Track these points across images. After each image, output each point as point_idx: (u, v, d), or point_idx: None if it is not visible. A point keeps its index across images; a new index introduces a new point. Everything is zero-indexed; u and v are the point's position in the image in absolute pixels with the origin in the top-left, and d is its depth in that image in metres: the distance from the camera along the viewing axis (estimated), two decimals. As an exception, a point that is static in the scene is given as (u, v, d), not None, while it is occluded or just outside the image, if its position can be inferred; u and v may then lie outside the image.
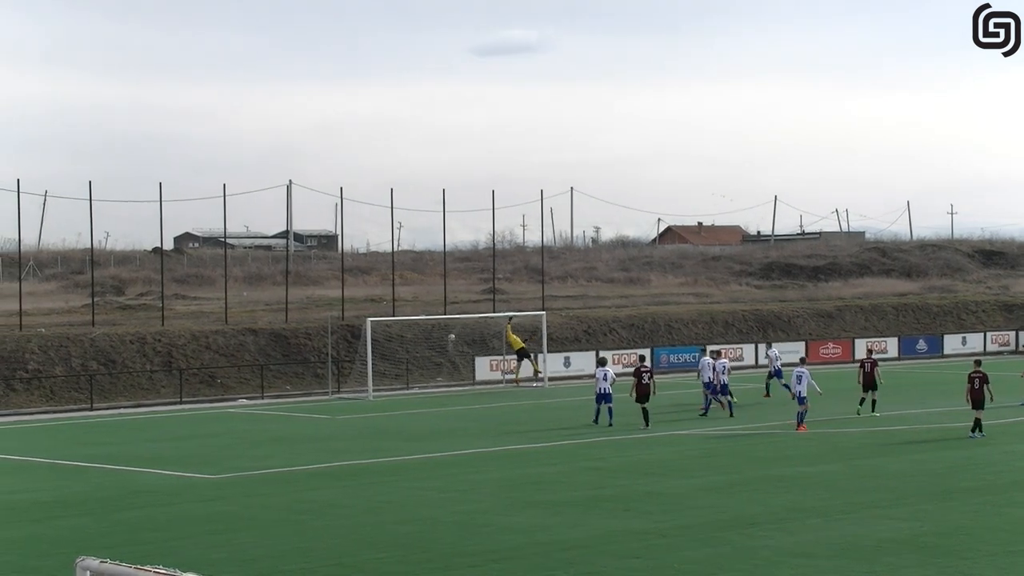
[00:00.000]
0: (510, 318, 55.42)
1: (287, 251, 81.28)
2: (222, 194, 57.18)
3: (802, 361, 40.88)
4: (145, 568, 10.35)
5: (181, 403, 48.42)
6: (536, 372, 54.26)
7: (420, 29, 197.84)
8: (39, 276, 78.57)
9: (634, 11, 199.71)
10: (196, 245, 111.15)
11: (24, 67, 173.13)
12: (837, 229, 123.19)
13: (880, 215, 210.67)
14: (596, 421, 38.35)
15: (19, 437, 39.36)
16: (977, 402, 34.16)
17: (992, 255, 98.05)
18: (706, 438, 35.67)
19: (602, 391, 38.38)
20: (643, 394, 37.70)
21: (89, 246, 61.32)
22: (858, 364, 41.63)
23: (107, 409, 46.81)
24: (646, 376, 38.21)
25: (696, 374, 44.71)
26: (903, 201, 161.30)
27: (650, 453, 32.68)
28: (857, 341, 64.06)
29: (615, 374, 40.58)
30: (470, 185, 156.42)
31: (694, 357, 50.94)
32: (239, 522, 23.96)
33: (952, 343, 68.24)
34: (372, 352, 50.81)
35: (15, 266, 66.03)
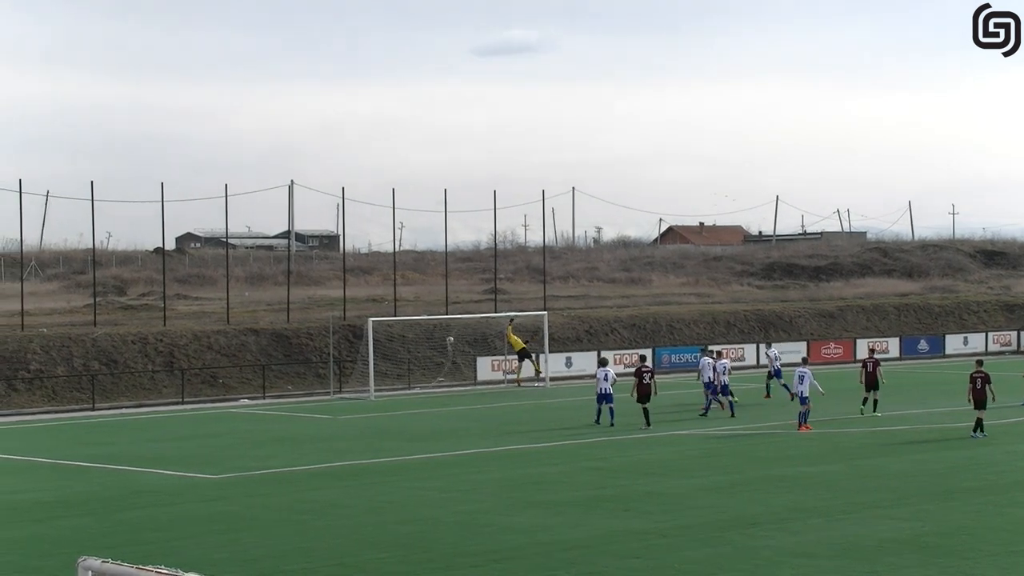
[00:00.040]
0: (511, 319, 55.43)
1: (289, 251, 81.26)
2: (224, 194, 57.30)
3: (804, 361, 40.87)
4: (147, 568, 10.37)
5: (183, 403, 48.44)
6: (537, 372, 54.28)
7: (421, 29, 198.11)
8: (41, 276, 78.62)
9: (634, 11, 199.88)
10: (198, 245, 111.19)
11: (25, 67, 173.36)
12: (838, 229, 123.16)
13: (881, 215, 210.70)
14: (598, 421, 38.38)
15: (21, 437, 39.38)
16: (979, 402, 34.17)
17: (994, 255, 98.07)
18: (707, 438, 35.67)
19: (603, 391, 38.41)
20: (644, 394, 37.74)
21: (91, 246, 61.38)
22: (860, 364, 41.63)
23: (109, 409, 46.84)
24: (647, 376, 38.24)
25: (696, 374, 44.72)
26: (904, 201, 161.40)
27: (651, 453, 32.69)
28: (859, 341, 64.07)
29: (616, 374, 40.58)
30: (471, 185, 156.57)
31: (695, 357, 50.90)
32: (241, 522, 23.97)
33: (954, 343, 68.25)
34: (374, 352, 50.83)
35: (17, 266, 66.08)
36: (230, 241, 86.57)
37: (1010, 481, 27.46)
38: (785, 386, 44.43)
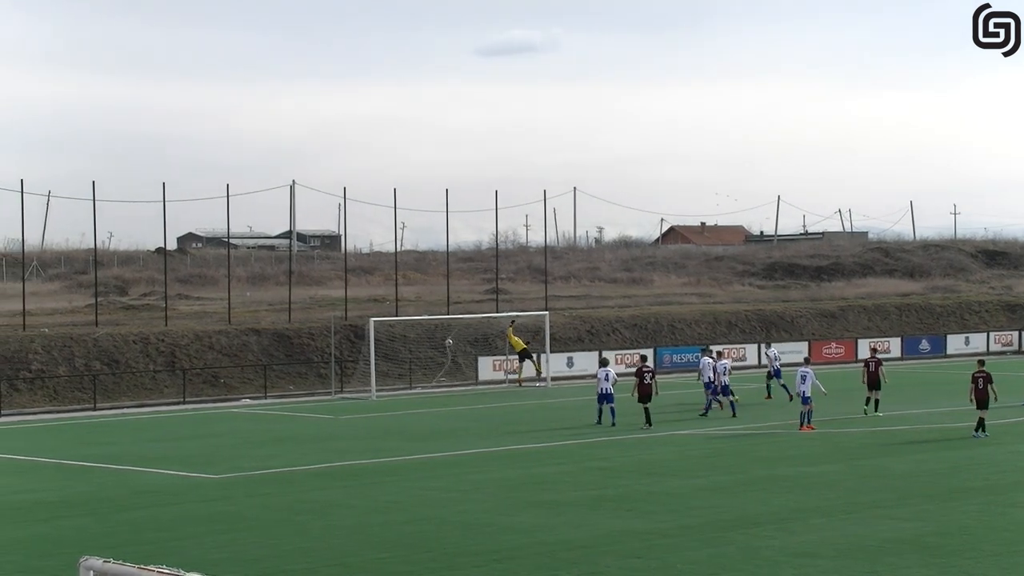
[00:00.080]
0: (512, 321, 55.45)
1: (290, 251, 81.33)
2: (225, 194, 57.32)
3: (806, 361, 40.82)
4: (148, 568, 10.37)
5: (184, 403, 48.45)
6: (538, 373, 54.28)
7: (423, 29, 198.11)
8: (42, 276, 78.62)
9: (636, 11, 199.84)
10: (199, 245, 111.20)
11: (26, 67, 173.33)
12: (840, 229, 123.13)
13: (883, 215, 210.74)
14: (599, 421, 38.38)
15: (23, 437, 39.40)
16: (981, 402, 34.17)
17: (995, 255, 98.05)
18: (708, 438, 35.67)
19: (604, 391, 38.42)
20: (645, 394, 37.76)
21: (92, 246, 61.40)
22: (862, 364, 41.62)
23: (110, 409, 46.85)
24: (648, 376, 38.25)
25: (697, 375, 44.72)
26: (906, 201, 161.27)
27: (652, 453, 32.69)
28: (860, 341, 64.05)
29: (616, 375, 40.58)
30: (473, 185, 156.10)
31: (696, 357, 50.90)
32: (242, 522, 23.98)
33: (955, 343, 68.24)
34: (375, 352, 50.84)
35: (19, 266, 66.10)
36: (232, 241, 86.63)
37: (1012, 481, 27.46)
38: (784, 386, 44.42)
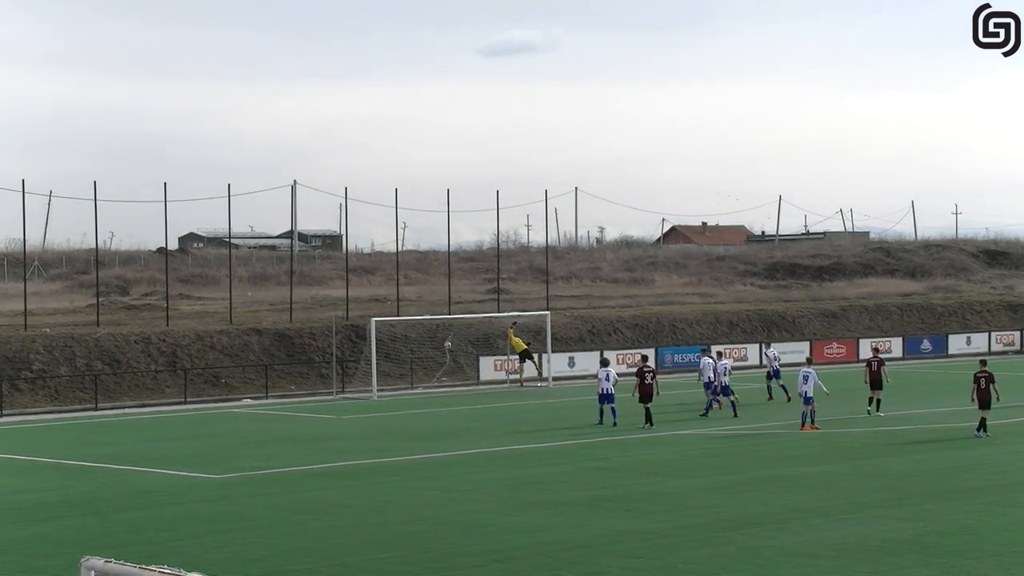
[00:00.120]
0: (513, 322, 55.45)
1: (291, 251, 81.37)
2: (226, 194, 57.36)
3: (808, 361, 40.80)
4: (150, 568, 10.37)
5: (185, 403, 48.47)
6: (539, 373, 54.29)
7: (423, 29, 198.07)
8: (44, 276, 78.64)
9: (636, 11, 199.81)
10: (200, 245, 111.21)
11: (26, 67, 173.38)
12: (841, 229, 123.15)
13: (884, 215, 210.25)
14: (600, 421, 38.39)
15: (24, 437, 39.42)
16: (983, 402, 34.17)
17: (997, 255, 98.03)
18: (709, 438, 35.67)
19: (605, 391, 38.43)
20: (645, 394, 37.78)
21: (94, 246, 61.44)
22: (865, 363, 41.60)
23: (111, 409, 46.87)
24: (648, 376, 38.26)
25: (697, 375, 44.71)
26: (907, 201, 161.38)
27: (653, 453, 32.70)
28: (861, 341, 64.05)
29: (617, 374, 40.59)
30: (474, 185, 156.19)
31: (698, 357, 50.88)
32: (243, 522, 24.00)
33: (957, 343, 68.21)
34: (376, 352, 50.85)
35: (20, 266, 66.08)
36: (233, 241, 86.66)
37: (1013, 481, 27.46)
38: (783, 387, 44.42)
